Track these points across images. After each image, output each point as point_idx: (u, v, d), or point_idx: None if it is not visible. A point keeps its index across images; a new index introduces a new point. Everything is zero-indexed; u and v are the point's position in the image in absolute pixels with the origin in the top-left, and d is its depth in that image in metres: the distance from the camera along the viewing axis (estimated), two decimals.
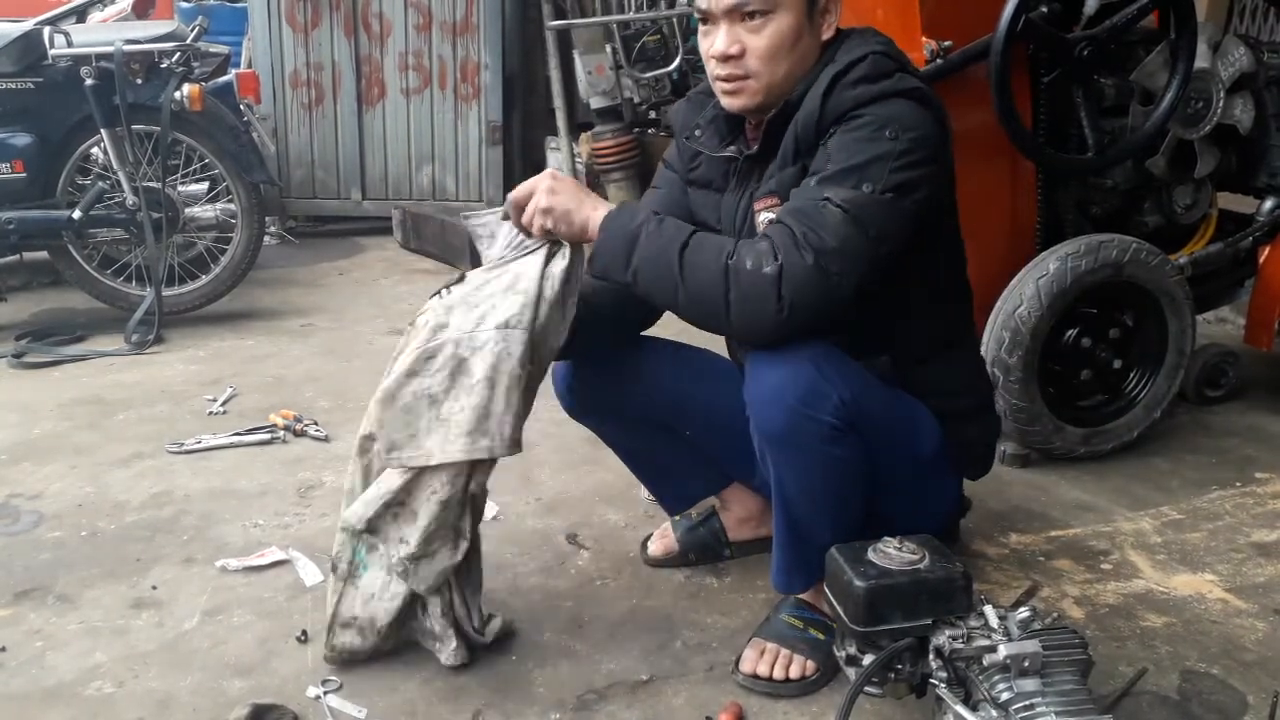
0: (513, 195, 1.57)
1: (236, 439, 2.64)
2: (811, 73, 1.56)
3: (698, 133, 1.72)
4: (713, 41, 1.56)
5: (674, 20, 4.87)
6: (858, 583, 1.35)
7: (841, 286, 1.43)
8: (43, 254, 3.75)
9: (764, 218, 1.57)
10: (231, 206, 3.75)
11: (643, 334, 1.87)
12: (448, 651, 1.66)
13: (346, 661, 1.68)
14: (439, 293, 1.61)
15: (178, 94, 3.41)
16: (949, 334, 1.74)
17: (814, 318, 1.44)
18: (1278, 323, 2.62)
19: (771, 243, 1.43)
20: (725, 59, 1.55)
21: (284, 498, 2.33)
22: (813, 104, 1.52)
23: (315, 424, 2.71)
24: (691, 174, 1.77)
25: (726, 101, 1.61)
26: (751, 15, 1.52)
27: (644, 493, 2.17)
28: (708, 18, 1.57)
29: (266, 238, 4.58)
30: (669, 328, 1.78)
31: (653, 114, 5.18)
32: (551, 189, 1.53)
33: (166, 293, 3.63)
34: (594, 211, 1.53)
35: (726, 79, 1.57)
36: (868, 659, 1.36)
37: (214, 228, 3.83)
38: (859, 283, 1.44)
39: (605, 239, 1.51)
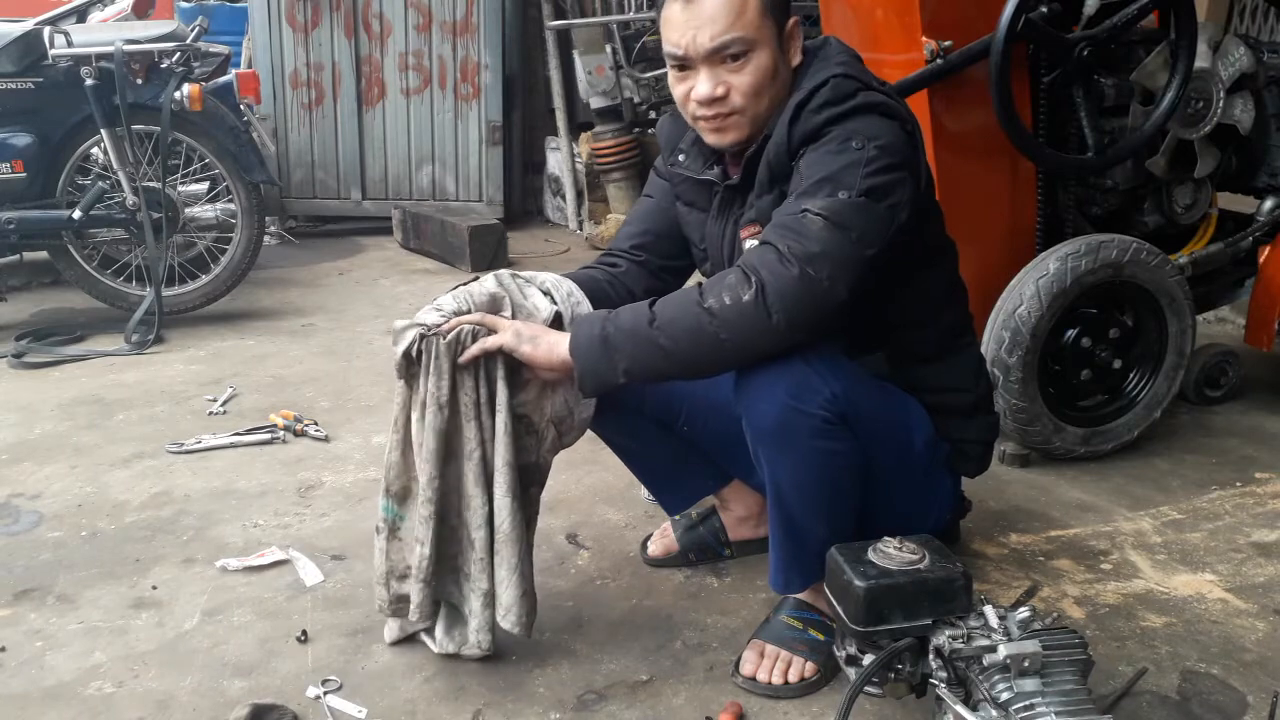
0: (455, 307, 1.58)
1: (236, 439, 2.64)
2: (783, 102, 1.58)
3: (681, 157, 1.75)
4: (691, 86, 1.57)
5: None
6: (858, 582, 1.35)
7: (833, 291, 1.45)
8: (43, 254, 3.76)
9: (749, 244, 1.60)
10: (231, 206, 3.75)
11: None
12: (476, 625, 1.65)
13: (399, 613, 1.69)
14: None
15: (178, 94, 3.41)
16: (946, 334, 1.75)
17: (811, 325, 1.46)
18: (1278, 323, 2.62)
19: (743, 270, 1.45)
20: (711, 102, 1.56)
21: (284, 498, 2.33)
22: (781, 133, 1.55)
23: (315, 424, 2.71)
24: (678, 189, 1.79)
25: (714, 139, 1.62)
26: (734, 57, 1.54)
27: (644, 493, 2.17)
28: (684, 64, 1.57)
29: (266, 238, 4.59)
30: None
31: (653, 114, 5.17)
32: (518, 342, 1.53)
33: (166, 293, 3.63)
34: (558, 344, 1.52)
35: (712, 119, 1.59)
36: (868, 659, 1.36)
37: (214, 228, 3.84)
38: (850, 285, 1.46)
39: (582, 361, 1.50)
